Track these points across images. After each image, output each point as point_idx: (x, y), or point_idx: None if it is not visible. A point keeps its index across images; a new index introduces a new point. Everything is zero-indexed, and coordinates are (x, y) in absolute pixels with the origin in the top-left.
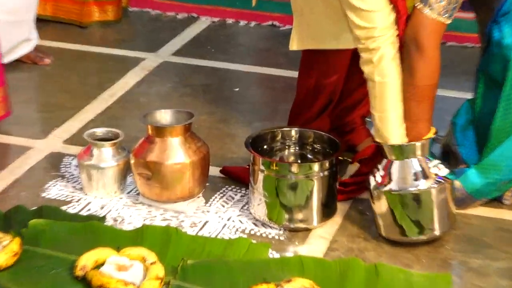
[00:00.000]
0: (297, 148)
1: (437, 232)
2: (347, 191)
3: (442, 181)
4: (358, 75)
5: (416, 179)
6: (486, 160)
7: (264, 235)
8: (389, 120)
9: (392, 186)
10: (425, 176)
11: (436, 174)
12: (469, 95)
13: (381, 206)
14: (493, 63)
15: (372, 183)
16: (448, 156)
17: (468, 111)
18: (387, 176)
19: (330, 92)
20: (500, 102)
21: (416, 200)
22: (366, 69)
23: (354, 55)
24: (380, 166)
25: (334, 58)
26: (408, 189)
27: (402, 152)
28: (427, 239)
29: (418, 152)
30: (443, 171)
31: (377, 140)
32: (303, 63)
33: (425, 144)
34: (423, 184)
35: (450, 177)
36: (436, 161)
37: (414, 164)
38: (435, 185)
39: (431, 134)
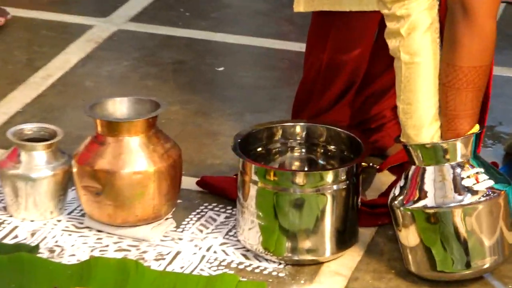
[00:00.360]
0: (303, 150)
1: (487, 265)
2: (374, 214)
3: (492, 193)
4: (386, 49)
5: (457, 192)
6: None
7: (257, 270)
8: (418, 115)
9: (427, 202)
10: (467, 187)
11: (479, 185)
12: None
13: (408, 231)
14: None
15: (395, 200)
16: None
17: None
18: (417, 189)
19: (351, 72)
20: None
21: (458, 221)
22: (391, 43)
23: (383, 22)
24: (406, 176)
25: (356, 25)
26: (448, 205)
27: (434, 154)
28: (475, 275)
29: (458, 154)
30: (486, 182)
31: (402, 139)
32: (313, 32)
33: (467, 142)
34: (467, 198)
35: (503, 189)
36: (478, 169)
37: (453, 171)
38: (484, 199)
39: (474, 130)
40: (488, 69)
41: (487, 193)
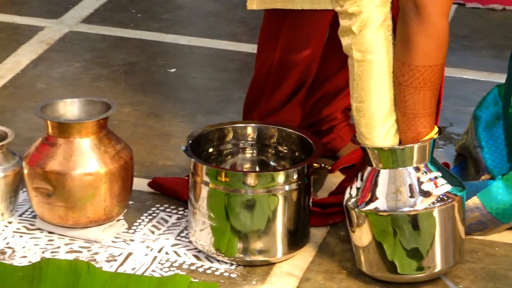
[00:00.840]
0: (255, 151)
1: (439, 268)
2: (325, 214)
3: (447, 198)
4: (339, 49)
5: (411, 196)
6: None
7: (209, 271)
8: (370, 113)
9: (379, 204)
10: (424, 191)
11: (438, 190)
12: (497, 78)
13: (362, 232)
14: None
15: (350, 200)
16: (466, 164)
17: (497, 101)
18: (371, 191)
19: (302, 72)
20: None
21: (412, 225)
22: (344, 41)
23: (336, 21)
24: (361, 177)
25: (308, 23)
26: (402, 210)
27: (392, 157)
28: (427, 278)
29: (415, 159)
30: (444, 186)
31: (358, 139)
32: (264, 30)
33: (425, 147)
34: (421, 203)
35: (458, 193)
36: (436, 173)
37: (409, 175)
38: (439, 204)
39: (433, 134)
40: (443, 67)
41: (442, 198)
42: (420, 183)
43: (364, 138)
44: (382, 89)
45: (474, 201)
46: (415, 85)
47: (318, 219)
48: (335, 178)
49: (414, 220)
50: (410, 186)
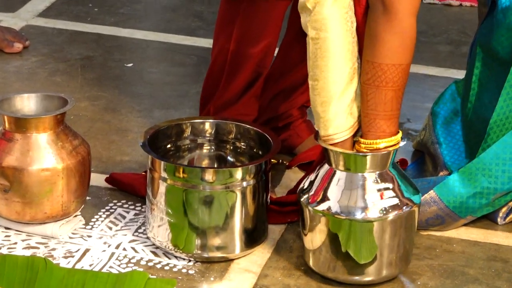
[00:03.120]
0: (213, 147)
1: (384, 274)
2: (283, 213)
3: (402, 205)
4: (297, 44)
5: (364, 202)
6: (473, 163)
7: (167, 268)
8: (325, 92)
9: (331, 206)
10: (372, 201)
11: (383, 202)
12: (454, 74)
13: (314, 230)
14: (497, 34)
15: (303, 195)
16: (424, 160)
17: (455, 97)
18: (324, 190)
19: (257, 63)
20: (505, 87)
21: (364, 230)
22: (302, 18)
23: (293, 12)
24: (318, 173)
25: (263, 13)
26: (354, 215)
27: (349, 161)
28: (378, 281)
29: (371, 167)
30: (390, 200)
31: (316, 127)
32: (220, 20)
33: (383, 156)
34: (375, 210)
35: (415, 200)
36: (387, 184)
37: (366, 181)
38: (395, 212)
39: (395, 141)
40: (408, 69)
41: (390, 209)
42: (371, 191)
43: (319, 117)
44: (336, 68)
45: (431, 195)
46: (377, 84)
47: (276, 217)
48: (293, 174)
49: (368, 227)
50: (362, 193)
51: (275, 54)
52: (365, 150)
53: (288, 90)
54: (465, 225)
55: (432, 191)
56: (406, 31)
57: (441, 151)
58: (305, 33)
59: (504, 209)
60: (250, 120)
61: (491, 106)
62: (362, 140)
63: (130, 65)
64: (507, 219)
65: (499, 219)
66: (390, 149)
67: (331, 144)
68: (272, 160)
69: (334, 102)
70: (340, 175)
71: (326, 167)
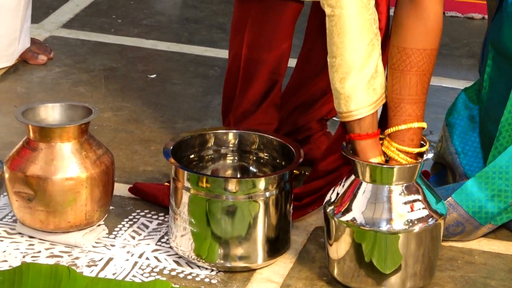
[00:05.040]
0: (236, 157)
1: (415, 284)
2: (303, 206)
3: (423, 222)
4: (314, 56)
5: (390, 214)
6: (489, 166)
7: (190, 277)
8: (343, 68)
9: (356, 217)
10: (401, 214)
11: (413, 213)
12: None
13: (339, 240)
14: (507, 29)
15: (329, 207)
16: (445, 173)
17: (467, 104)
18: (350, 201)
19: (271, 71)
20: None
21: (389, 242)
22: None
23: (310, 24)
24: (344, 184)
25: (274, 17)
26: (379, 227)
27: (375, 174)
28: None
29: (398, 179)
30: (421, 211)
31: (336, 107)
32: (233, 24)
33: (411, 169)
34: (400, 222)
35: (441, 212)
36: (416, 196)
37: (393, 193)
38: (421, 224)
39: (419, 126)
40: (433, 54)
41: (416, 221)
42: (398, 204)
43: (339, 94)
44: (353, 44)
45: (449, 201)
46: (401, 68)
47: (297, 212)
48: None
49: (394, 239)
50: (389, 205)
51: (291, 65)
52: (391, 148)
53: (306, 103)
54: (486, 236)
55: (450, 197)
56: (431, 17)
57: (460, 161)
58: (321, 43)
59: None
60: (271, 129)
61: (501, 106)
62: (387, 132)
63: (153, 76)
64: None
65: None
66: (415, 139)
67: (350, 121)
68: (295, 171)
69: (352, 77)
70: (366, 187)
71: (352, 178)
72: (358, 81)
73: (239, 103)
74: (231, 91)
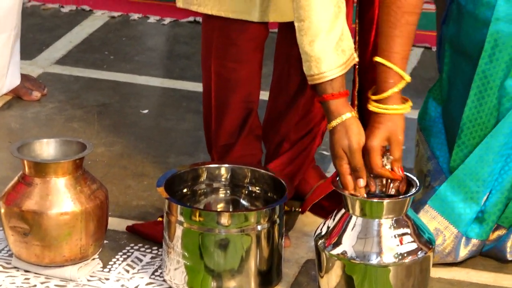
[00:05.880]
0: (228, 191)
1: None
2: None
3: (418, 250)
4: (287, 79)
5: (380, 248)
6: (460, 169)
7: None
8: (311, 30)
9: (347, 250)
10: (394, 243)
11: (411, 242)
12: None
13: (330, 273)
14: (465, 26)
15: (319, 240)
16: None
17: (435, 105)
18: (339, 234)
19: (243, 100)
20: (474, 81)
21: (379, 275)
22: None
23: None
24: (334, 217)
25: (238, 38)
26: (369, 260)
27: (369, 209)
28: None
29: (392, 213)
30: (410, 244)
31: (306, 71)
32: (202, 40)
33: (403, 203)
34: (390, 256)
35: (431, 244)
36: (405, 230)
37: (382, 227)
38: (410, 257)
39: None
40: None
41: (406, 254)
42: (386, 237)
43: (309, 57)
44: (320, 7)
45: (426, 209)
46: (391, 23)
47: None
48: (306, 219)
49: (385, 272)
50: (378, 239)
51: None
52: (374, 98)
53: (290, 138)
54: (475, 268)
55: (427, 205)
56: None
57: (440, 165)
58: (288, 69)
59: (509, 243)
60: (256, 160)
61: (458, 104)
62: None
63: (146, 111)
64: None
65: (508, 255)
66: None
67: (322, 82)
68: (285, 208)
69: (321, 39)
70: (356, 220)
71: (342, 211)
72: (327, 43)
73: (218, 136)
74: (208, 126)
